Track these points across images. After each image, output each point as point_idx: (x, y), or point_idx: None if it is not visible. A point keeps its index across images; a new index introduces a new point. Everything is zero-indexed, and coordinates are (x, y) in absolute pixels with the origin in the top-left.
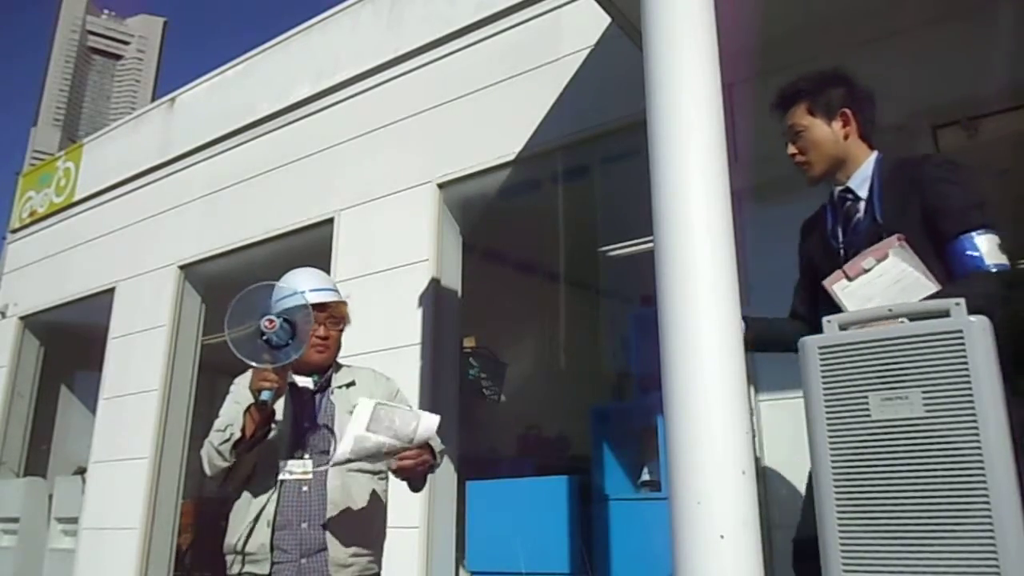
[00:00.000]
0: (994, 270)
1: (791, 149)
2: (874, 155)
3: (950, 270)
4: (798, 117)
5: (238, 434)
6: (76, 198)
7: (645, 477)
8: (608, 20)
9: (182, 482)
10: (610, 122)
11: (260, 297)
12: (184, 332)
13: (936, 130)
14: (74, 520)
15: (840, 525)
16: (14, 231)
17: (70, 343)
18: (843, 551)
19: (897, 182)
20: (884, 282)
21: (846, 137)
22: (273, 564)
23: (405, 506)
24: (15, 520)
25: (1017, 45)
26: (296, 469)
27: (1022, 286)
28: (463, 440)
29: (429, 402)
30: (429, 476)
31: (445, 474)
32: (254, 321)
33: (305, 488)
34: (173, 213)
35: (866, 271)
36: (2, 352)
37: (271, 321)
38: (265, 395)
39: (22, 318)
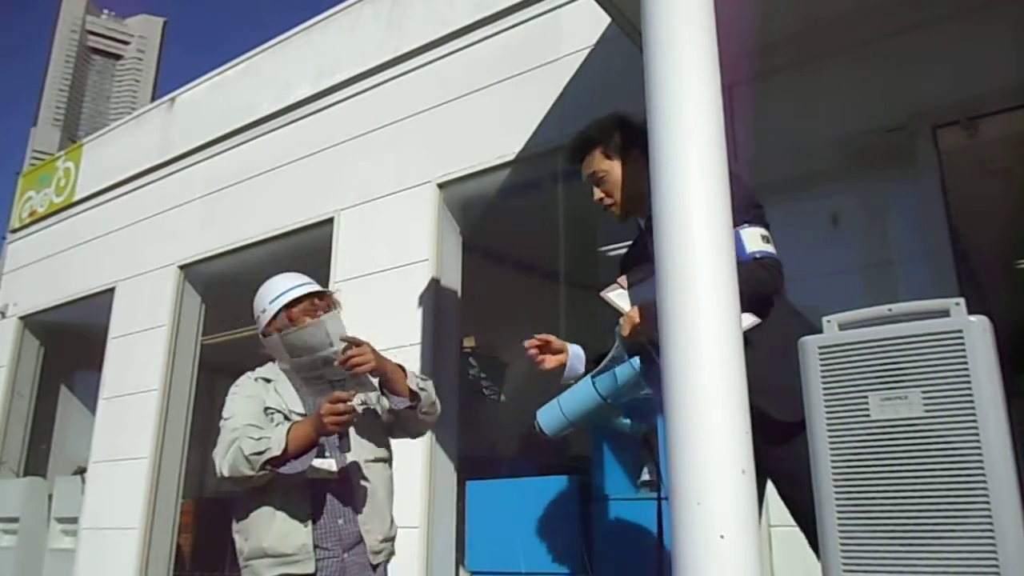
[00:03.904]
0: (758, 255)
1: (597, 194)
2: None
3: None
4: (597, 163)
5: (276, 451)
6: (76, 198)
7: (645, 477)
8: (608, 20)
9: (182, 482)
10: None
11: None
12: (184, 332)
13: (936, 130)
14: (74, 520)
15: (840, 525)
16: (14, 231)
17: (70, 343)
18: (843, 551)
19: None
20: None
21: (640, 171)
22: (317, 562)
23: (405, 506)
24: (15, 520)
25: (1017, 45)
26: (322, 467)
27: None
28: (463, 440)
29: None
30: (429, 459)
31: (445, 474)
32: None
33: (334, 484)
34: (173, 213)
35: (641, 280)
36: (2, 352)
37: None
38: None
39: (22, 318)
